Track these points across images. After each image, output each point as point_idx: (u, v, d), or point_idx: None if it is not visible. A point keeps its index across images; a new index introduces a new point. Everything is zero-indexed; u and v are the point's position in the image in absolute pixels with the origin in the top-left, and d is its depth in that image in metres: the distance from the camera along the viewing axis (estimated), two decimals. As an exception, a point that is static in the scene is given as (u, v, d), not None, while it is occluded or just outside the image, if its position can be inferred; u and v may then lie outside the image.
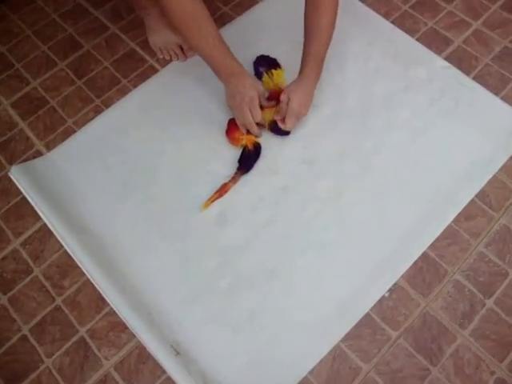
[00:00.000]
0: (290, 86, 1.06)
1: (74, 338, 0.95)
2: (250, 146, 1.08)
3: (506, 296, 0.94)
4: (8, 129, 1.18)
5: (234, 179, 1.06)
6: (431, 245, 0.99)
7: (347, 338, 0.92)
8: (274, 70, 1.16)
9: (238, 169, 1.07)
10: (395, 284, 0.96)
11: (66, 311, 0.97)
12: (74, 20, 1.33)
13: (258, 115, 1.04)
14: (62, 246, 1.01)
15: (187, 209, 1.04)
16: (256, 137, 1.10)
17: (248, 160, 1.08)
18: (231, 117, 1.11)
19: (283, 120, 1.07)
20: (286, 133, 1.10)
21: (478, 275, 0.97)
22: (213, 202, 1.04)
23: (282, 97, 1.05)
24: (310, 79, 1.05)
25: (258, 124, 1.07)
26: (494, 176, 1.05)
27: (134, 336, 0.93)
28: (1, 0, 1.37)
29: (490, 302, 0.94)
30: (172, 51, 1.22)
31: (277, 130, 1.09)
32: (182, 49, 1.22)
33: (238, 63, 1.02)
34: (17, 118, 1.19)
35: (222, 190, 1.05)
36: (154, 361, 0.91)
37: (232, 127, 1.10)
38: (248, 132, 1.09)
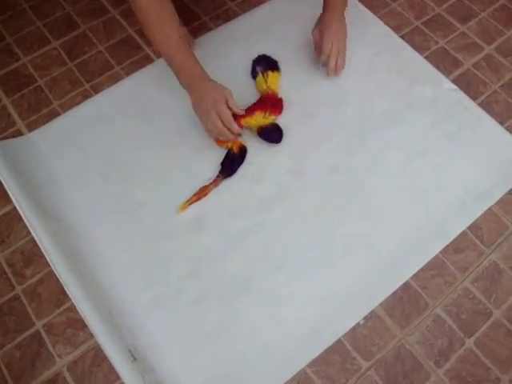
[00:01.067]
0: (319, 22, 1.08)
1: (29, 332, 0.90)
2: (236, 149, 1.03)
3: (487, 337, 0.89)
4: (-10, 104, 1.13)
5: (215, 182, 1.01)
6: (415, 275, 0.94)
7: (315, 363, 0.87)
8: (270, 72, 1.11)
9: (220, 172, 1.02)
10: (372, 312, 0.91)
11: (25, 302, 0.93)
12: (73, -1, 1.29)
13: (227, 117, 0.96)
14: (29, 233, 0.96)
15: (164, 209, 0.99)
16: (236, 138, 1.03)
17: (231, 163, 1.03)
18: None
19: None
20: (277, 139, 1.05)
21: (461, 312, 0.91)
22: (190, 204, 0.99)
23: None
24: (338, 16, 1.06)
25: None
26: (490, 209, 1.00)
27: (92, 336, 0.88)
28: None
29: (469, 342, 0.89)
30: None
31: (266, 135, 1.04)
32: None
33: (200, 68, 0.97)
34: (1, 94, 1.14)
35: (200, 193, 1.00)
36: (109, 364, 0.86)
37: None
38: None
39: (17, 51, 1.20)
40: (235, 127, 0.98)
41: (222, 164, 1.03)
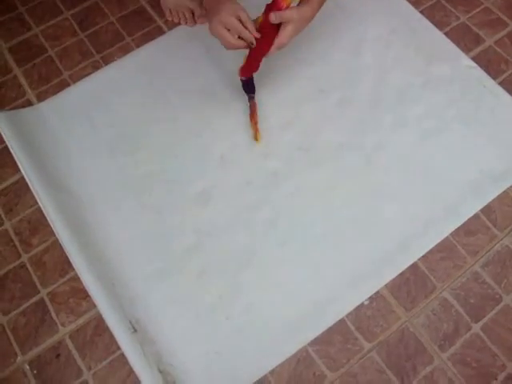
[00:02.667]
0: (292, 11, 0.88)
1: (34, 299, 0.91)
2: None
3: (496, 323, 0.87)
4: (1, 73, 1.13)
5: (255, 104, 1.03)
6: (423, 256, 0.91)
7: (316, 342, 0.86)
8: None
9: (249, 93, 1.04)
10: (377, 292, 0.89)
11: (31, 270, 0.93)
12: (87, -32, 1.27)
13: (236, 27, 0.87)
14: (36, 202, 0.96)
15: (170, 181, 0.99)
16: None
17: (252, 81, 1.02)
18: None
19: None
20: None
21: (469, 296, 0.89)
22: (259, 130, 1.02)
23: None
24: (313, 4, 0.89)
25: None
26: (505, 192, 0.96)
27: (95, 306, 0.88)
28: None
29: (476, 327, 0.87)
30: (182, 14, 1.15)
31: (250, 85, 1.02)
32: (192, 14, 1.15)
33: None
34: (12, 64, 1.14)
35: (255, 118, 1.03)
36: (110, 335, 0.86)
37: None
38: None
39: (28, 21, 1.20)
40: (247, 34, 0.89)
41: (247, 88, 1.03)
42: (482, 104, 1.04)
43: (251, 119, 1.03)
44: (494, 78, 1.07)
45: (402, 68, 1.09)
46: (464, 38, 1.13)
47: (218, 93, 1.07)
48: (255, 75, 1.01)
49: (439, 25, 1.14)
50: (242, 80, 1.01)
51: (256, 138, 1.02)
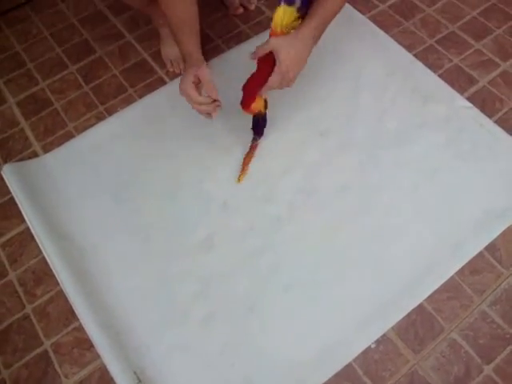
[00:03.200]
0: (278, 39, 0.91)
1: (37, 351, 0.90)
2: (263, 110, 1.02)
3: (509, 364, 0.84)
4: (9, 126, 1.17)
5: (254, 147, 1.07)
6: (429, 297, 0.90)
7: (324, 388, 0.84)
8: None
9: (256, 135, 1.08)
10: (384, 335, 0.87)
11: (34, 321, 0.93)
12: (91, 25, 1.33)
13: (195, 101, 0.94)
14: (41, 252, 0.97)
15: (174, 228, 0.99)
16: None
17: (263, 122, 1.06)
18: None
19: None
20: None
21: (478, 337, 0.87)
22: (245, 173, 1.05)
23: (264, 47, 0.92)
24: (304, 37, 0.91)
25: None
26: (508, 228, 0.96)
27: (99, 356, 0.87)
28: (26, 1, 1.38)
29: (488, 369, 0.84)
30: (183, 65, 1.19)
31: (259, 125, 1.06)
32: None
33: (192, 48, 0.95)
34: (19, 117, 1.18)
35: (248, 160, 1.06)
36: (114, 386, 0.85)
37: (247, 98, 1.00)
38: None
39: (36, 76, 1.25)
40: (206, 108, 0.95)
41: (256, 128, 1.06)
42: (479, 142, 1.05)
43: (245, 159, 1.06)
44: (490, 117, 1.09)
45: (399, 109, 1.11)
46: (458, 79, 1.16)
47: (218, 140, 1.09)
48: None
49: (433, 67, 1.18)
50: (253, 118, 1.05)
51: (239, 179, 1.04)
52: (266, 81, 0.94)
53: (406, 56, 1.19)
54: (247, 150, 1.07)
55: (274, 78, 0.94)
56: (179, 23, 0.94)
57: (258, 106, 1.00)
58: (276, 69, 0.92)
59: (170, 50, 1.20)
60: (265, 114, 1.04)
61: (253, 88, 0.97)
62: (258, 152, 1.07)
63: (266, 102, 1.01)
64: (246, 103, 0.99)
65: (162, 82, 1.20)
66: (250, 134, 1.08)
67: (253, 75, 0.97)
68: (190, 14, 0.95)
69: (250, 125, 1.06)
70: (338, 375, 0.84)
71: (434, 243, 0.95)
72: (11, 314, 0.94)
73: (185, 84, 0.93)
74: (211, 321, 0.90)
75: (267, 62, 0.93)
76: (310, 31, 0.92)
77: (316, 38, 0.94)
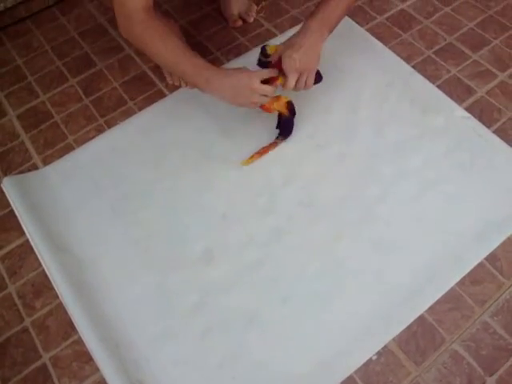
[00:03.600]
0: (288, 40, 0.99)
1: (36, 364, 0.89)
2: (286, 112, 1.04)
3: (511, 376, 0.84)
4: (9, 139, 1.17)
5: (275, 144, 1.08)
6: (430, 308, 0.90)
7: (325, 401, 0.83)
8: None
9: (280, 134, 1.08)
10: (385, 347, 0.87)
11: (33, 334, 0.92)
12: (92, 38, 1.34)
13: (267, 90, 0.97)
14: (40, 265, 0.97)
15: (173, 240, 0.99)
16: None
17: (286, 126, 1.07)
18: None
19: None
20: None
21: (480, 348, 0.86)
22: (252, 160, 1.06)
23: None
24: (312, 32, 0.97)
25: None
26: (508, 238, 0.96)
27: (98, 370, 0.86)
28: (27, 16, 1.40)
29: (491, 381, 0.84)
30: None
31: (282, 126, 1.07)
32: None
33: (204, 61, 0.97)
34: (20, 130, 1.18)
35: (262, 152, 1.07)
36: (113, 400, 0.84)
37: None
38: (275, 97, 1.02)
39: (37, 89, 1.25)
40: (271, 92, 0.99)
41: (279, 128, 1.07)
42: (478, 153, 1.06)
43: (260, 150, 1.08)
44: (489, 127, 1.10)
45: (398, 121, 1.12)
46: (456, 90, 1.17)
47: (217, 152, 1.10)
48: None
49: (431, 78, 1.18)
50: (278, 118, 1.07)
51: (244, 162, 1.06)
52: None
53: (404, 67, 1.20)
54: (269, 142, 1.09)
55: (289, 75, 0.97)
56: (173, 46, 0.96)
57: (276, 106, 1.03)
58: (287, 67, 0.97)
59: None
60: (289, 116, 1.05)
61: (268, 83, 0.99)
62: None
63: (289, 103, 1.03)
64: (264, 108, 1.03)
65: (162, 95, 1.21)
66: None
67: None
68: (178, 35, 0.98)
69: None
70: (339, 387, 0.84)
71: (434, 254, 0.94)
72: (10, 327, 0.93)
73: (257, 84, 0.95)
74: (210, 333, 0.89)
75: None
76: (317, 23, 0.97)
77: (324, 31, 0.98)
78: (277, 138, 1.08)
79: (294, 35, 0.99)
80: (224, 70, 1.00)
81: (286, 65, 0.97)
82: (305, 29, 0.98)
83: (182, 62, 0.96)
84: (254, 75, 0.96)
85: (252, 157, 1.06)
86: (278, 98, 1.02)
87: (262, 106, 1.02)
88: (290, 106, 1.04)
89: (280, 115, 1.06)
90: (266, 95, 0.98)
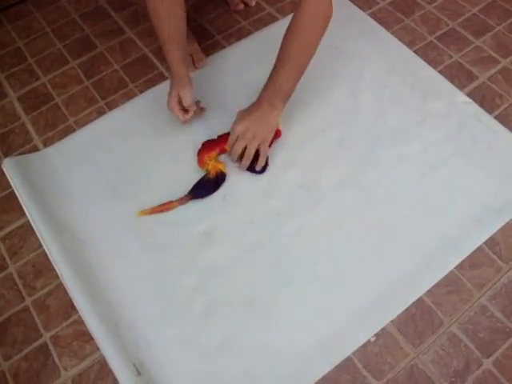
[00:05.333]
0: (246, 108, 1.01)
1: (37, 343, 0.90)
2: (211, 175, 1.02)
3: (508, 358, 0.84)
4: (10, 121, 1.17)
5: (181, 200, 1.01)
6: (428, 291, 0.90)
7: (323, 381, 0.83)
8: None
9: (189, 192, 1.02)
10: (383, 329, 0.87)
11: (34, 313, 0.93)
12: (92, 21, 1.33)
13: (176, 113, 1.03)
14: (41, 246, 0.98)
15: (173, 222, 0.99)
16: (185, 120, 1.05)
17: (202, 187, 1.02)
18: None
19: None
20: (256, 170, 1.03)
21: (478, 330, 0.87)
22: (152, 213, 1.00)
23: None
24: (264, 103, 0.98)
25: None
26: (508, 223, 0.96)
27: (98, 349, 0.87)
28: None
29: (488, 362, 0.84)
30: None
31: (199, 185, 1.03)
32: (192, 59, 1.20)
33: (177, 65, 1.00)
34: (20, 112, 1.18)
35: (164, 206, 1.01)
36: (113, 378, 0.84)
37: (203, 149, 1.06)
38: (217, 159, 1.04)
39: (37, 71, 1.25)
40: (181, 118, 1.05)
41: (195, 184, 1.02)
42: (479, 138, 1.06)
43: (165, 205, 1.01)
44: (490, 113, 1.10)
45: (399, 105, 1.12)
46: (458, 76, 1.17)
47: (214, 134, 1.09)
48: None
49: (433, 63, 1.18)
50: (205, 179, 1.04)
51: (142, 213, 1.00)
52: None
53: (406, 52, 1.20)
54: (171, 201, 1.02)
55: (230, 137, 1.01)
56: (168, 38, 0.97)
57: (209, 163, 1.03)
58: (231, 131, 1.01)
59: None
60: (212, 181, 1.02)
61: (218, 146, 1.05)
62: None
63: (221, 173, 1.03)
64: (200, 156, 1.05)
65: (163, 78, 1.21)
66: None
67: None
68: (179, 30, 0.99)
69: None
70: (337, 368, 0.84)
71: (434, 238, 0.95)
72: (11, 306, 0.94)
73: (171, 104, 1.03)
74: (211, 314, 0.90)
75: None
76: (268, 95, 0.98)
77: (277, 101, 0.98)
78: (186, 194, 1.02)
79: (251, 104, 1.01)
80: (176, 75, 1.02)
81: (231, 129, 1.01)
82: (258, 100, 0.99)
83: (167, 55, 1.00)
84: (170, 98, 1.03)
85: (153, 209, 1.00)
86: (218, 161, 1.04)
87: (199, 157, 1.05)
88: (220, 176, 1.03)
89: (204, 176, 1.03)
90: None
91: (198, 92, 1.14)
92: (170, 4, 0.95)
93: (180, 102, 1.02)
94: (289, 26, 0.95)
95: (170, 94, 1.03)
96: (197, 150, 1.07)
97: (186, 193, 1.02)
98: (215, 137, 1.08)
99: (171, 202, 1.01)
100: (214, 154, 1.03)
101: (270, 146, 1.03)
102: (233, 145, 1.00)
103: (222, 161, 1.04)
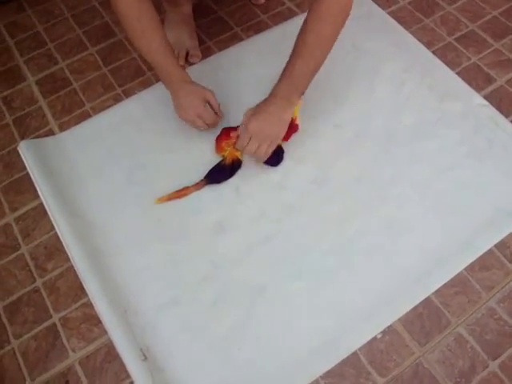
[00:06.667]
0: (257, 104, 0.98)
1: (46, 324, 0.91)
2: (228, 161, 1.03)
3: (514, 361, 0.85)
4: (28, 104, 1.18)
5: (197, 186, 1.02)
6: (437, 290, 0.90)
7: (328, 374, 0.84)
8: None
9: (205, 176, 1.03)
10: (390, 326, 0.88)
11: (44, 294, 0.94)
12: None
13: (209, 118, 1.02)
14: (53, 228, 0.99)
15: (186, 210, 1.00)
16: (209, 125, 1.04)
17: (218, 173, 1.03)
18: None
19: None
20: (272, 162, 1.03)
21: (485, 332, 0.87)
22: (169, 200, 1.01)
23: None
24: (278, 99, 0.95)
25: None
26: (520, 228, 0.96)
27: (106, 333, 0.88)
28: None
29: (493, 365, 0.84)
30: (176, 52, 1.19)
31: (215, 170, 1.04)
32: (187, 54, 1.21)
33: (180, 70, 0.99)
34: (38, 95, 1.19)
35: (181, 192, 1.01)
36: (120, 362, 0.85)
37: (222, 135, 1.06)
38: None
39: (56, 56, 1.26)
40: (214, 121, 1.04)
41: (210, 170, 1.03)
42: (494, 141, 1.05)
43: (182, 190, 1.02)
44: (506, 116, 1.09)
45: (415, 105, 1.11)
46: (476, 78, 1.16)
47: (228, 122, 1.09)
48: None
49: (451, 65, 1.18)
50: (221, 165, 1.04)
51: (159, 200, 1.01)
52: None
53: (424, 52, 1.20)
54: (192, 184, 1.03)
55: (241, 136, 0.98)
56: (155, 47, 0.95)
57: (227, 149, 1.04)
58: (241, 128, 0.99)
59: (169, 35, 1.16)
60: (227, 167, 1.03)
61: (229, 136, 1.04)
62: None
63: (237, 159, 1.03)
64: (219, 141, 1.06)
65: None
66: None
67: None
68: (163, 38, 0.96)
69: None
70: (342, 363, 0.85)
71: (445, 238, 0.95)
72: (22, 286, 0.95)
73: (199, 110, 1.00)
74: (218, 304, 0.91)
75: None
76: (283, 90, 0.95)
77: (293, 96, 0.96)
78: (202, 179, 1.03)
79: (263, 100, 0.98)
80: (189, 81, 1.01)
81: (241, 126, 0.99)
82: (271, 95, 0.96)
83: (158, 66, 0.98)
84: (211, 97, 1.01)
85: (169, 196, 1.01)
86: (235, 149, 1.03)
87: (217, 143, 1.06)
88: (235, 163, 1.03)
89: (220, 162, 1.04)
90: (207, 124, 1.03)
91: (212, 84, 1.15)
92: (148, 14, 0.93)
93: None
94: (307, 17, 0.92)
95: (185, 103, 1.00)
96: (213, 139, 1.07)
97: (203, 179, 1.03)
98: (227, 124, 1.08)
99: (187, 187, 1.02)
100: (232, 140, 1.03)
101: (287, 139, 1.04)
102: (246, 144, 0.98)
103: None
